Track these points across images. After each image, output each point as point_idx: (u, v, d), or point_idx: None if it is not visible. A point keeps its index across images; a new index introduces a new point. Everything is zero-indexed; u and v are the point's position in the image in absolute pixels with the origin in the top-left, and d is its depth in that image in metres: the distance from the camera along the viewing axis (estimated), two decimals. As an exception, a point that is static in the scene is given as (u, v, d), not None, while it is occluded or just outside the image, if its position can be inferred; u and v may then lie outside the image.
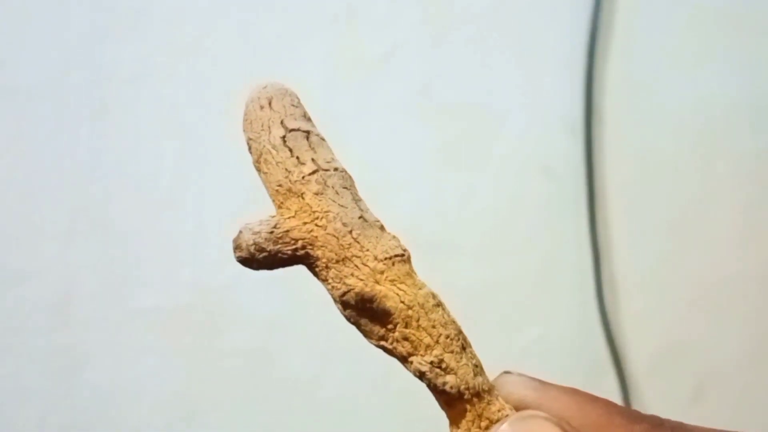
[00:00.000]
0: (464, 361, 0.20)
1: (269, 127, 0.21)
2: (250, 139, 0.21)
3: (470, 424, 0.20)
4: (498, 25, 0.50)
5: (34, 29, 0.44)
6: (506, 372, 0.21)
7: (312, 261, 0.20)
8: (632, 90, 0.53)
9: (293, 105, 0.21)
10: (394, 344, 0.20)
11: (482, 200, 0.51)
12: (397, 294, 0.20)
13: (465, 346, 0.20)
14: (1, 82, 0.44)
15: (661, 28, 0.53)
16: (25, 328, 0.45)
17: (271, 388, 0.48)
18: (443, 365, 0.19)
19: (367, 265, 0.20)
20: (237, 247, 0.20)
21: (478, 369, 0.20)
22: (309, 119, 0.21)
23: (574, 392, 0.20)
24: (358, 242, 0.20)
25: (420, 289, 0.20)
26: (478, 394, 0.20)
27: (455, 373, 0.19)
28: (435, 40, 0.49)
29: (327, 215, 0.20)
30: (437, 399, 0.20)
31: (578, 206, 0.52)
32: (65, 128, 0.44)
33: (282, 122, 0.21)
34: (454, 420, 0.20)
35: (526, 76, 0.51)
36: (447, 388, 0.19)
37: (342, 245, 0.20)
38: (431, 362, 0.19)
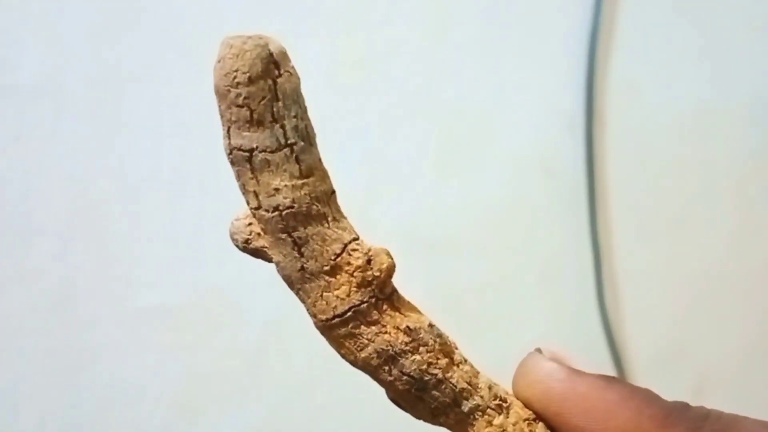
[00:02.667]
0: (420, 407, 0.19)
1: (224, 130, 0.18)
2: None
3: None
4: (499, 24, 0.50)
5: (34, 29, 0.44)
6: (538, 350, 0.20)
7: None
8: (633, 90, 0.53)
9: (238, 105, 0.17)
10: None
11: (482, 200, 0.51)
12: (340, 352, 0.19)
13: (421, 395, 0.19)
14: (1, 82, 0.44)
15: (662, 28, 0.53)
16: (25, 328, 0.45)
17: (271, 388, 0.48)
18: (400, 405, 0.19)
19: (312, 319, 0.19)
20: (230, 237, 0.19)
21: (439, 410, 0.19)
22: (259, 122, 0.17)
23: (605, 387, 0.19)
24: (300, 295, 0.19)
25: (361, 351, 0.19)
26: (440, 425, 0.20)
27: (412, 414, 0.19)
28: (435, 39, 0.49)
29: (273, 257, 0.18)
30: None
31: (578, 206, 0.52)
32: (65, 128, 0.44)
33: (228, 131, 0.18)
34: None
35: (527, 75, 0.51)
36: (412, 417, 0.20)
37: (291, 289, 0.19)
38: (390, 398, 0.20)
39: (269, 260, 0.19)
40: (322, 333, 0.19)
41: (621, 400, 0.18)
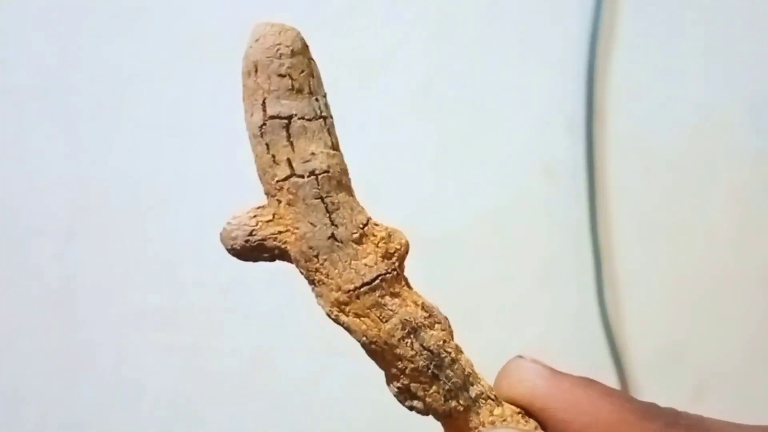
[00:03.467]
0: (434, 389, 0.19)
1: (252, 107, 0.18)
2: (244, 110, 0.19)
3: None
4: (499, 24, 0.50)
5: (34, 29, 0.44)
6: (519, 356, 0.21)
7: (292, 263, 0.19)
8: (633, 89, 0.53)
9: (280, 74, 0.18)
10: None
11: (482, 199, 0.51)
12: (360, 328, 0.18)
13: (438, 374, 0.19)
14: (1, 82, 0.44)
15: (663, 28, 0.53)
16: (25, 327, 0.45)
17: (271, 388, 0.48)
18: (410, 392, 0.19)
19: (331, 294, 0.18)
20: (222, 242, 0.19)
21: (452, 393, 0.19)
22: (299, 90, 0.18)
23: (586, 384, 0.20)
24: (324, 267, 0.18)
25: (386, 322, 0.19)
26: (449, 415, 0.19)
27: (422, 400, 0.19)
28: (435, 38, 0.49)
29: (296, 232, 0.18)
30: None
31: (579, 205, 0.52)
32: (65, 128, 0.44)
33: (263, 103, 0.18)
34: (441, 424, 0.20)
35: (527, 74, 0.51)
36: (415, 411, 0.19)
37: (309, 268, 0.18)
38: (398, 387, 0.19)
39: (271, 252, 0.19)
40: (344, 308, 0.18)
41: (603, 395, 0.19)
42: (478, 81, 0.50)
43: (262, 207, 0.19)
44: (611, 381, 0.52)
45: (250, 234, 0.18)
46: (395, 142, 0.49)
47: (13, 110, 0.44)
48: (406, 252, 0.19)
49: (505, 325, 0.51)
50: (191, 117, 0.46)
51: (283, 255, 0.19)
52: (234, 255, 0.19)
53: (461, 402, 0.19)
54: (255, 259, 0.19)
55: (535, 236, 0.52)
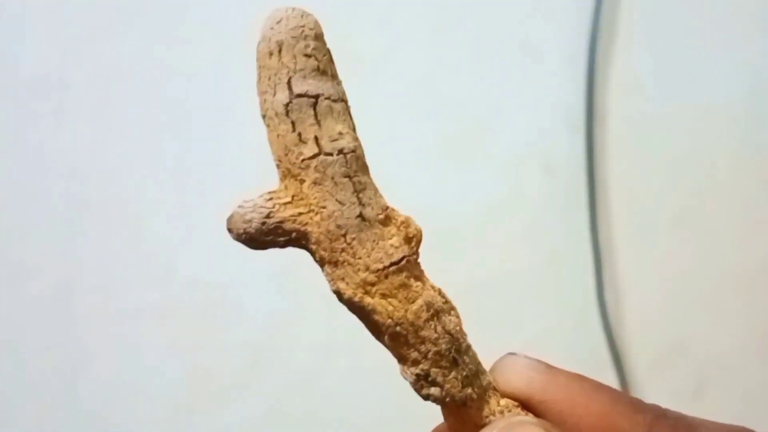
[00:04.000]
0: (453, 374, 0.19)
1: (275, 86, 0.18)
2: (259, 89, 0.18)
3: (459, 425, 0.20)
4: (499, 23, 0.50)
5: (33, 27, 0.44)
6: (511, 353, 0.21)
7: (307, 249, 0.18)
8: (633, 88, 0.53)
9: (306, 54, 0.18)
10: (384, 346, 0.19)
11: (482, 198, 0.51)
12: (386, 309, 0.18)
13: (457, 358, 0.19)
14: (2, 79, 0.43)
15: (663, 26, 0.53)
16: (25, 325, 0.45)
17: (271, 386, 0.48)
18: (429, 378, 0.19)
19: (357, 275, 0.18)
20: (229, 230, 0.18)
21: (468, 380, 0.19)
22: (323, 71, 0.18)
23: (580, 378, 0.20)
24: (351, 247, 0.18)
25: (413, 303, 0.18)
26: (464, 404, 0.19)
27: (440, 386, 0.19)
28: (435, 37, 0.49)
29: (322, 212, 0.18)
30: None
31: (579, 204, 0.52)
32: (66, 125, 0.44)
33: (289, 82, 0.18)
34: (445, 416, 0.20)
35: (527, 73, 0.51)
36: (430, 399, 0.19)
37: (334, 248, 0.18)
38: (417, 374, 0.19)
39: (288, 235, 0.18)
40: (370, 288, 0.18)
41: (597, 389, 0.20)
42: (479, 80, 0.50)
43: (275, 191, 0.18)
44: (611, 381, 0.52)
45: (267, 216, 0.18)
46: (395, 140, 0.49)
47: (13, 108, 0.44)
48: (421, 238, 0.19)
49: (505, 324, 0.51)
50: (192, 115, 0.46)
51: (300, 239, 0.18)
52: (245, 240, 0.18)
53: (476, 390, 0.19)
54: (266, 245, 0.18)
55: (535, 235, 0.52)
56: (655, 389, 0.53)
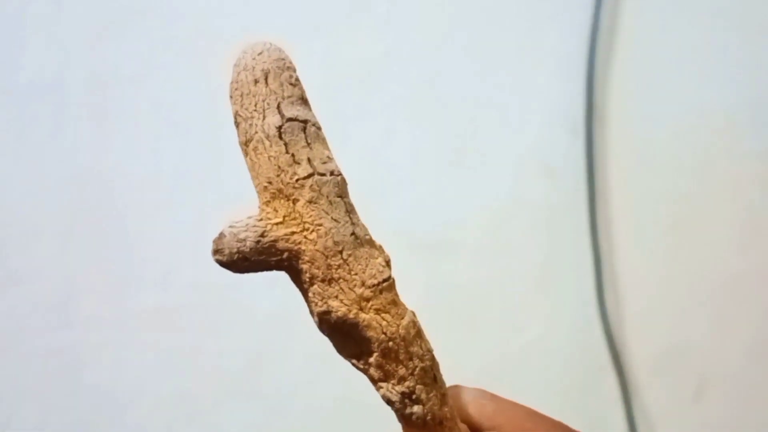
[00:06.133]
0: (433, 393, 0.19)
1: (263, 111, 0.18)
2: (239, 115, 0.19)
3: None
4: (499, 24, 0.50)
5: (34, 29, 0.44)
6: (457, 385, 0.22)
7: (295, 272, 0.19)
8: (633, 90, 0.53)
9: (291, 83, 0.19)
10: (367, 367, 0.19)
11: (483, 199, 0.51)
12: (380, 324, 0.19)
13: (436, 375, 0.19)
14: (1, 82, 0.44)
15: (663, 28, 0.53)
16: (25, 328, 0.45)
17: (270, 388, 0.48)
18: (413, 396, 0.19)
19: (353, 291, 0.18)
20: (217, 251, 0.19)
21: (445, 398, 0.19)
22: (306, 101, 0.19)
23: (522, 407, 0.22)
24: (347, 264, 0.18)
25: (402, 318, 0.19)
26: (441, 422, 0.19)
27: (423, 404, 0.19)
28: (435, 39, 0.49)
29: (318, 229, 0.18)
30: (399, 419, 0.20)
31: (579, 206, 0.52)
32: (65, 128, 0.44)
33: (279, 107, 0.19)
34: None
35: (527, 75, 0.51)
36: (413, 418, 0.19)
37: (330, 265, 0.18)
38: (402, 393, 0.19)
39: (280, 255, 0.18)
40: (365, 304, 0.18)
41: (541, 417, 0.22)
42: (479, 81, 0.50)
43: (263, 212, 0.19)
44: (611, 381, 0.52)
45: (262, 235, 0.18)
46: (395, 142, 0.49)
47: (14, 110, 0.44)
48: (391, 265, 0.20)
49: (505, 325, 0.51)
50: (191, 117, 0.46)
51: (291, 258, 0.18)
52: (235, 261, 0.18)
53: (450, 410, 0.20)
54: (253, 266, 0.18)
55: (535, 236, 0.52)
56: (655, 391, 0.53)
